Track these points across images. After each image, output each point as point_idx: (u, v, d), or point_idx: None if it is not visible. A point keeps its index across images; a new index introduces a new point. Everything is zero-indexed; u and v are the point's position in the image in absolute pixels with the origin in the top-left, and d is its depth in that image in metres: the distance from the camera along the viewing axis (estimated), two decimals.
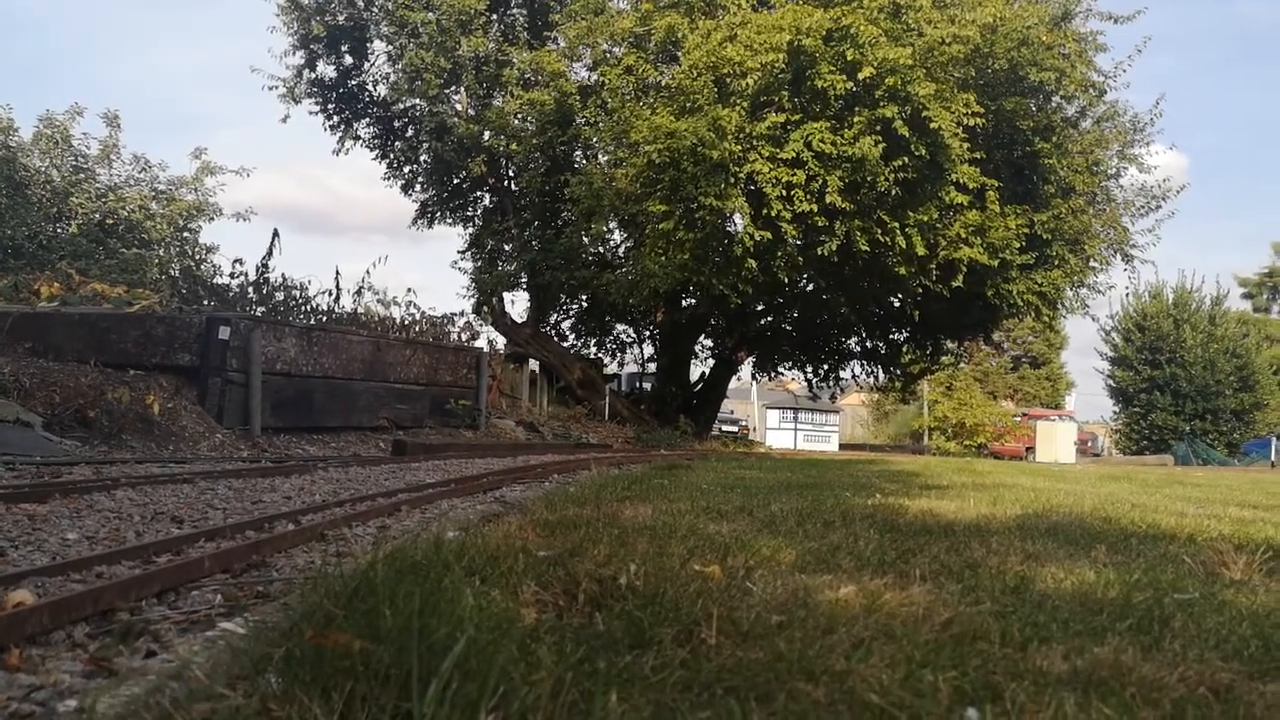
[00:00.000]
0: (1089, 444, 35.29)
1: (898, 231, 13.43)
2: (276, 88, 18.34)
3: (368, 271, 33.25)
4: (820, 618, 1.87)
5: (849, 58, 12.70)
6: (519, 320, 19.51)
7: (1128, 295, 36.34)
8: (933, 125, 12.56)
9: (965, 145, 13.04)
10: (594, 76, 16.53)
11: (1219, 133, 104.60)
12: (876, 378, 22.12)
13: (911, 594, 2.15)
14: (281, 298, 13.36)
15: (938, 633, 1.82)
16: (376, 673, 1.44)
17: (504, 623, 1.69)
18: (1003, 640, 1.76)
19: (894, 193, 13.19)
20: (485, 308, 18.98)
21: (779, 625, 1.80)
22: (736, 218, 14.38)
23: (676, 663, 1.53)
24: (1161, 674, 1.55)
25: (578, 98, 15.78)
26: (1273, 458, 24.58)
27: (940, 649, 1.67)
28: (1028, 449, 27.51)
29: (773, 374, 22.75)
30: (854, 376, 22.46)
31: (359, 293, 14.93)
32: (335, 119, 19.04)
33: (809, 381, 22.36)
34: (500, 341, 19.15)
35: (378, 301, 15.07)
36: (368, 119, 19.46)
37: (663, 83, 14.64)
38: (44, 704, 1.56)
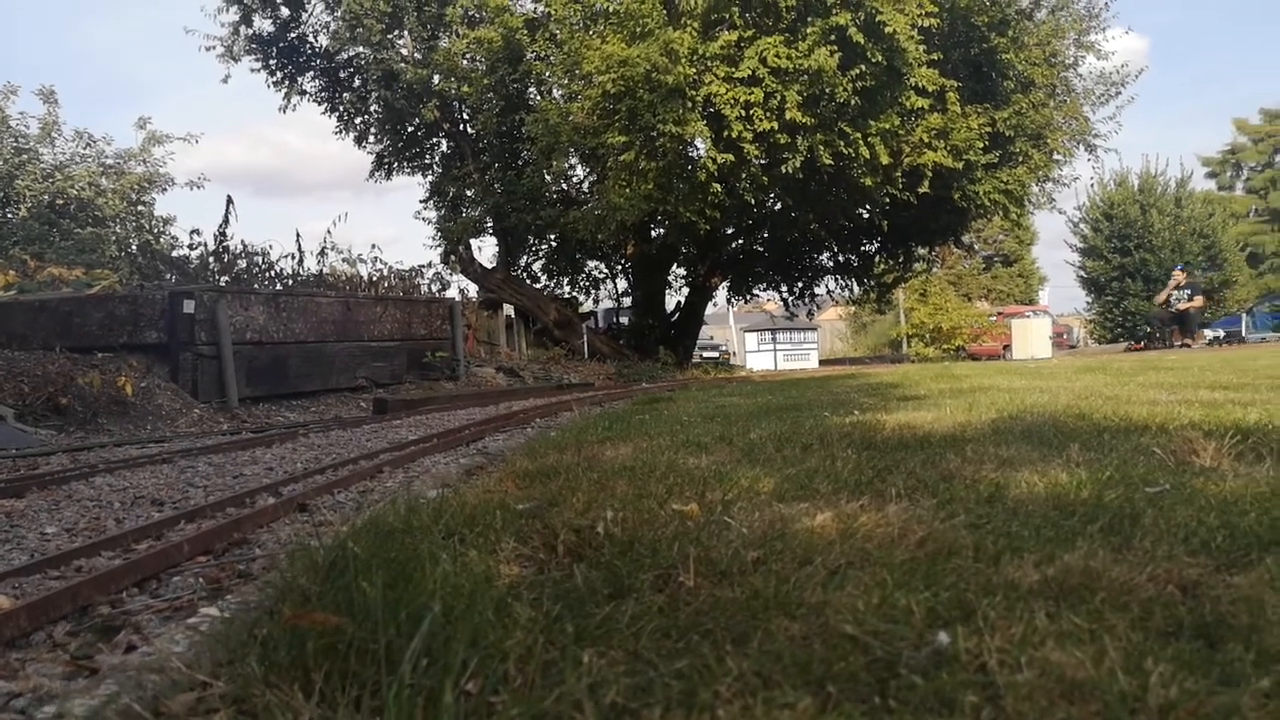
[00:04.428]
0: (1064, 337, 35.71)
1: (860, 142, 13.30)
2: (214, 48, 17.77)
3: (329, 231, 32.66)
4: (797, 549, 1.89)
5: None
6: (489, 266, 19.31)
7: (1093, 185, 36.51)
8: (887, 30, 12.36)
9: (921, 48, 12.85)
10: (540, 8, 16.10)
11: (1178, 8, 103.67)
12: (851, 291, 22.17)
13: (887, 514, 2.17)
14: (244, 265, 13.15)
15: (913, 552, 1.83)
16: (354, 649, 1.43)
17: (480, 586, 1.69)
18: (976, 554, 1.77)
19: (854, 103, 13.02)
20: (453, 256, 18.76)
21: (756, 561, 1.81)
22: (698, 142, 14.19)
23: (654, 610, 1.54)
24: (1131, 575, 1.57)
25: (525, 32, 15.39)
26: (1243, 333, 24.94)
27: (915, 570, 1.69)
28: (1005, 347, 27.77)
29: (748, 296, 22.75)
30: (829, 292, 22.50)
31: (323, 253, 14.73)
32: (278, 75, 18.47)
33: (785, 301, 22.39)
34: (472, 289, 19.00)
35: (343, 260, 14.89)
36: (312, 72, 18.89)
37: (610, 8, 14.27)
38: (23, 711, 1.55)
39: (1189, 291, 20.35)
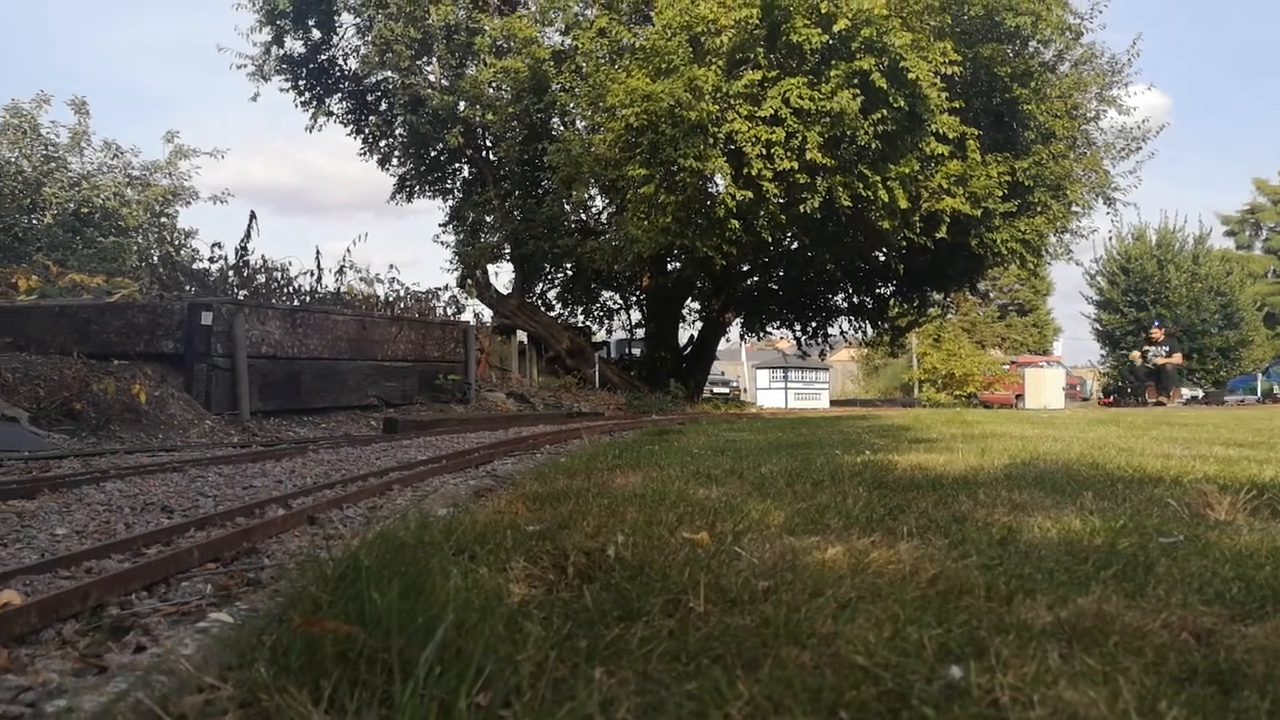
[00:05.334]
0: (1077, 388, 35.56)
1: (879, 185, 13.37)
2: (245, 66, 18.06)
3: (348, 250, 32.90)
4: (808, 580, 1.88)
5: (823, 10, 12.56)
6: (504, 292, 19.42)
7: (1111, 238, 36.53)
8: (910, 76, 12.47)
9: (944, 95, 12.96)
10: (567, 41, 16.32)
11: (1201, 69, 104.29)
12: (864, 332, 22.16)
13: (899, 551, 2.16)
14: (263, 280, 13.25)
15: (924, 589, 1.83)
16: (365, 658, 1.44)
17: (491, 601, 1.69)
18: (988, 594, 1.77)
19: (874, 146, 13.11)
20: (470, 280, 18.88)
21: (767, 590, 1.81)
22: (717, 178, 14.29)
23: (664, 633, 1.54)
24: (1145, 621, 1.57)
25: (552, 64, 15.58)
26: (1259, 394, 24.78)
27: (926, 606, 1.68)
28: (1017, 396, 27.68)
29: (761, 334, 22.78)
30: (842, 332, 22.49)
31: (341, 272, 14.84)
32: (306, 95, 18.75)
33: (798, 340, 22.40)
34: (487, 314, 19.09)
35: (360, 280, 14.99)
36: (340, 94, 19.17)
37: (637, 44, 14.45)
38: (33, 705, 1.56)
39: (1167, 348, 20.19)
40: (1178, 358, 20.58)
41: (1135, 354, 21.10)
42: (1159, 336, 20.35)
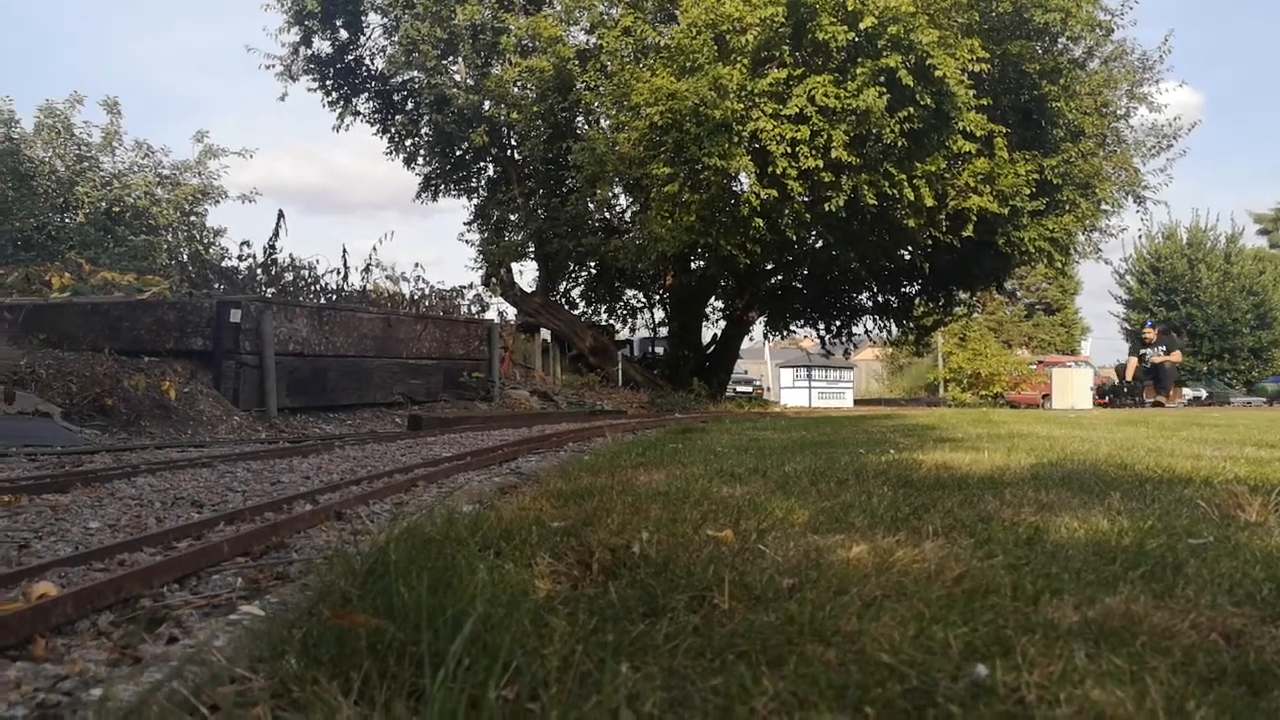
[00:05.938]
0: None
1: (905, 183, 13.30)
2: (273, 66, 18.27)
3: (374, 248, 33.31)
4: (832, 578, 1.88)
5: (850, 7, 12.51)
6: (528, 290, 19.50)
7: (1141, 237, 36.10)
8: (937, 73, 12.39)
9: (971, 92, 12.86)
10: (592, 40, 16.36)
11: (1235, 67, 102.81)
12: (889, 332, 22.06)
13: (924, 550, 2.16)
14: (290, 278, 13.39)
15: (950, 588, 1.82)
16: (393, 650, 1.46)
17: (517, 596, 1.71)
18: (1014, 594, 1.76)
19: (900, 144, 13.05)
20: (494, 279, 18.98)
21: (791, 588, 1.81)
22: (742, 177, 14.28)
23: (689, 629, 1.55)
24: (1173, 621, 1.56)
25: (576, 63, 15.63)
26: (1255, 395, 24.45)
27: (952, 605, 1.68)
28: (1044, 396, 27.39)
29: (785, 333, 22.72)
30: (867, 331, 22.39)
31: (367, 270, 14.97)
32: (334, 95, 18.94)
33: (822, 339, 22.33)
34: (511, 312, 19.19)
35: (386, 278, 15.12)
36: (366, 93, 19.34)
37: (662, 43, 14.47)
38: (70, 693, 1.59)
39: (1164, 347, 19.93)
40: (1176, 356, 20.33)
41: (1133, 360, 20.91)
42: (1152, 337, 20.15)
